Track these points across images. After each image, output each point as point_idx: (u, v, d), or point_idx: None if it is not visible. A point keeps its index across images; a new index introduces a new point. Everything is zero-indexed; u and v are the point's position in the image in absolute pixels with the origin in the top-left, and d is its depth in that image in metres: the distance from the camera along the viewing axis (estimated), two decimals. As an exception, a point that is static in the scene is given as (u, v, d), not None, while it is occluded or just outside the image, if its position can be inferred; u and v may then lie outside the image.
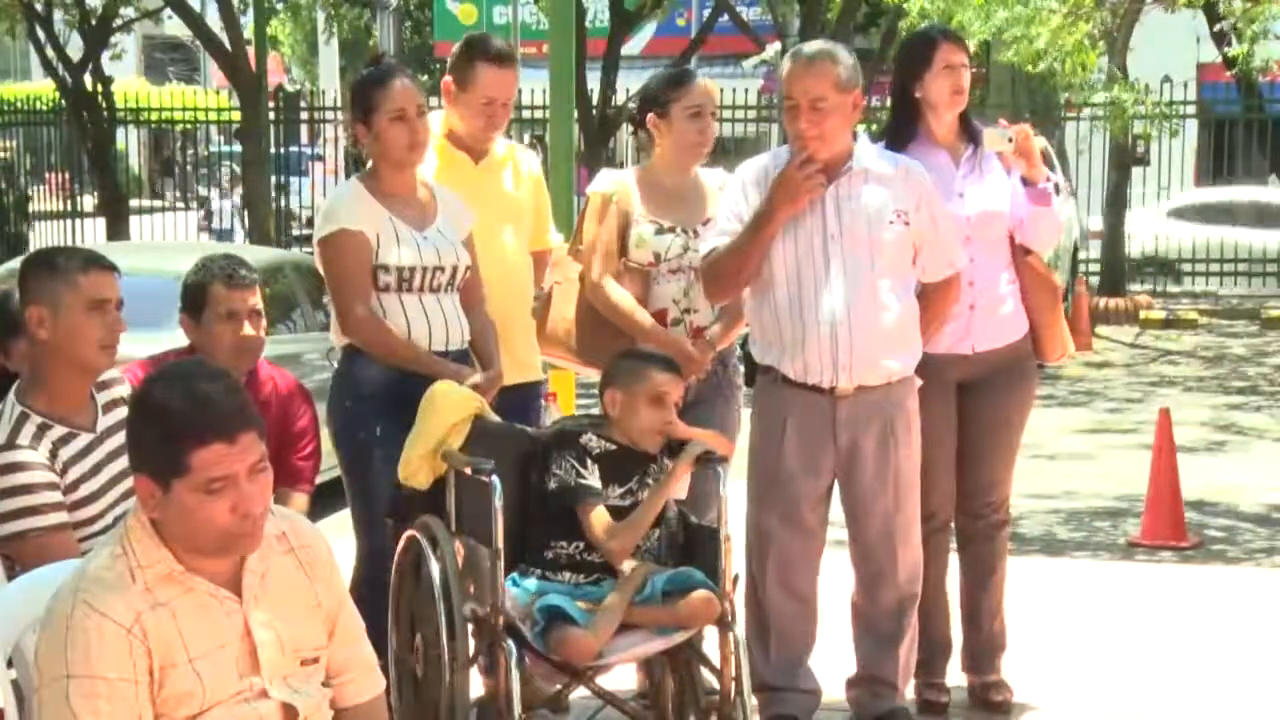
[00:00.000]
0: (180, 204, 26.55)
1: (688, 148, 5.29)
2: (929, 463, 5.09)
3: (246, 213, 20.65)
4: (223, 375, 2.99)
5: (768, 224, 4.85)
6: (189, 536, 2.89)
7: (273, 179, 21.24)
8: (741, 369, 5.33)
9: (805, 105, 4.83)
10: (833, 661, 5.20)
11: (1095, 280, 19.09)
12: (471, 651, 4.55)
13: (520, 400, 5.21)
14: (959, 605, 5.48)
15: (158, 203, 29.48)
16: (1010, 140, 5.25)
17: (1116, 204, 19.13)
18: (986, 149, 5.30)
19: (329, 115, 22.83)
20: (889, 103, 5.61)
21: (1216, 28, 14.72)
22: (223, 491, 2.85)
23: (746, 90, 22.30)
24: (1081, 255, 19.06)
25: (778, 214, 4.84)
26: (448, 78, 5.25)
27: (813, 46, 5.00)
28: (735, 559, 4.58)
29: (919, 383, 5.01)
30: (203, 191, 26.42)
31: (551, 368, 5.79)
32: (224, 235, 23.39)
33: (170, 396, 2.89)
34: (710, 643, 4.61)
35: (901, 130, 5.30)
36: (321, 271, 5.06)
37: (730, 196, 5.02)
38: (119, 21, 22.04)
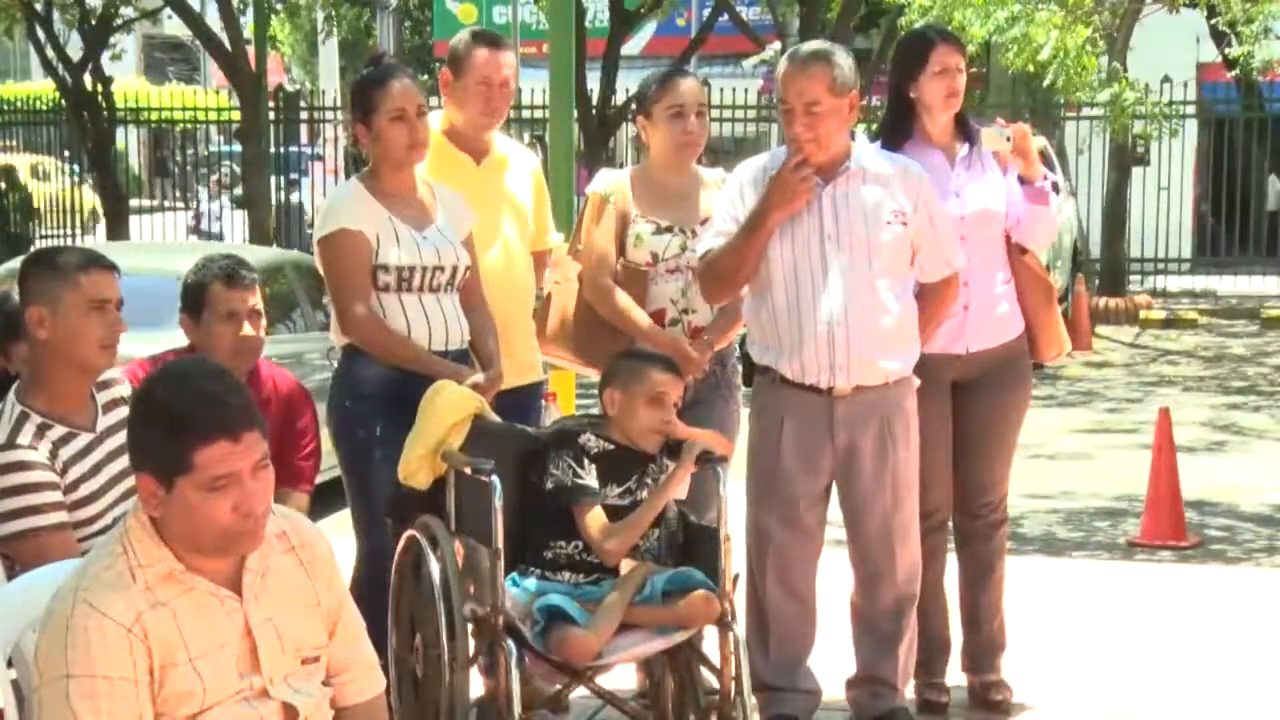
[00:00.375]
0: (179, 204, 26.57)
1: (675, 148, 5.28)
2: (925, 462, 5.09)
3: (248, 213, 20.61)
4: (226, 373, 3.00)
5: (761, 225, 4.84)
6: (190, 535, 2.89)
7: (285, 177, 21.28)
8: (740, 369, 5.33)
9: (800, 108, 4.82)
10: (833, 661, 5.20)
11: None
12: (471, 651, 4.55)
13: (520, 402, 5.21)
14: (958, 605, 5.48)
15: (155, 203, 29.55)
16: (1008, 139, 5.25)
17: (1116, 204, 19.12)
18: (985, 148, 5.30)
19: (329, 115, 22.82)
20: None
21: (1212, 21, 14.72)
22: (226, 489, 2.85)
23: (746, 90, 22.28)
24: None
25: (771, 215, 4.83)
26: (445, 69, 5.27)
27: (809, 48, 4.98)
28: (735, 559, 4.58)
29: (917, 383, 5.01)
30: (203, 192, 26.45)
31: (551, 368, 5.79)
32: (211, 238, 23.37)
33: (174, 394, 2.89)
34: (710, 643, 4.61)
35: (896, 130, 5.29)
36: (321, 271, 5.06)
37: (727, 197, 5.02)
38: (119, 21, 22.03)
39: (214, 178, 25.28)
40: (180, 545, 2.91)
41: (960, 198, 5.22)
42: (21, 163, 23.53)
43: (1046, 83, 13.78)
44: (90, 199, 24.28)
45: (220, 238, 23.23)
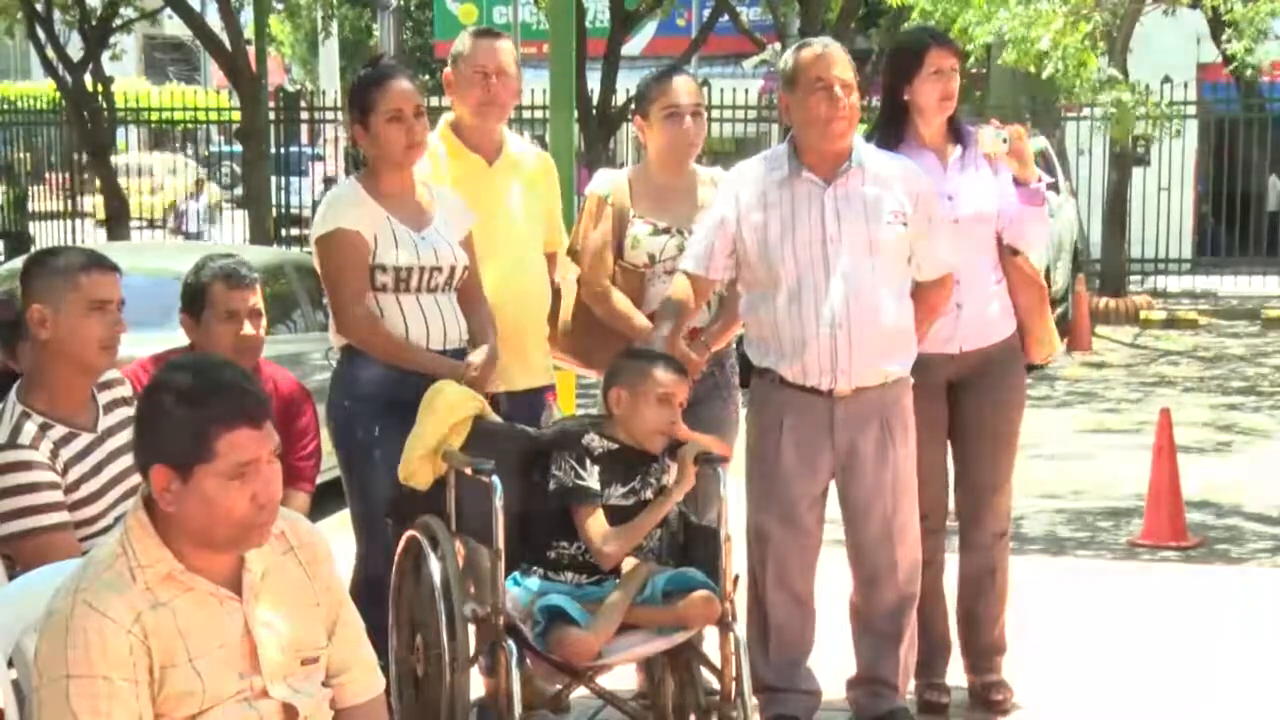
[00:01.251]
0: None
1: (672, 148, 5.26)
2: (922, 465, 5.07)
3: (248, 213, 20.59)
4: (236, 365, 3.04)
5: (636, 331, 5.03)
6: (204, 529, 2.89)
7: (325, 180, 21.40)
8: (738, 369, 5.33)
9: (837, 83, 4.82)
10: (833, 661, 5.20)
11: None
12: (472, 651, 4.54)
13: (529, 405, 5.19)
14: (956, 611, 5.46)
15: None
16: (1005, 141, 5.24)
17: (1116, 204, 19.12)
18: (981, 149, 5.29)
19: (329, 115, 22.82)
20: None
21: (1224, 37, 14.73)
22: (246, 477, 2.86)
23: (747, 90, 22.31)
24: None
25: (643, 337, 4.94)
26: (447, 69, 5.28)
27: (819, 39, 5.04)
28: (736, 559, 4.58)
29: (913, 382, 5.01)
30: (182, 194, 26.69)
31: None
32: (192, 238, 23.41)
33: (193, 383, 2.90)
34: (710, 643, 4.61)
35: (890, 132, 5.28)
36: (319, 271, 5.06)
37: (715, 207, 5.01)
38: (119, 21, 22.03)
39: (195, 179, 25.38)
40: (189, 541, 2.90)
41: (954, 200, 5.21)
42: (159, 162, 24.15)
43: (1046, 74, 13.77)
44: (217, 194, 25.68)
45: (200, 237, 23.25)
